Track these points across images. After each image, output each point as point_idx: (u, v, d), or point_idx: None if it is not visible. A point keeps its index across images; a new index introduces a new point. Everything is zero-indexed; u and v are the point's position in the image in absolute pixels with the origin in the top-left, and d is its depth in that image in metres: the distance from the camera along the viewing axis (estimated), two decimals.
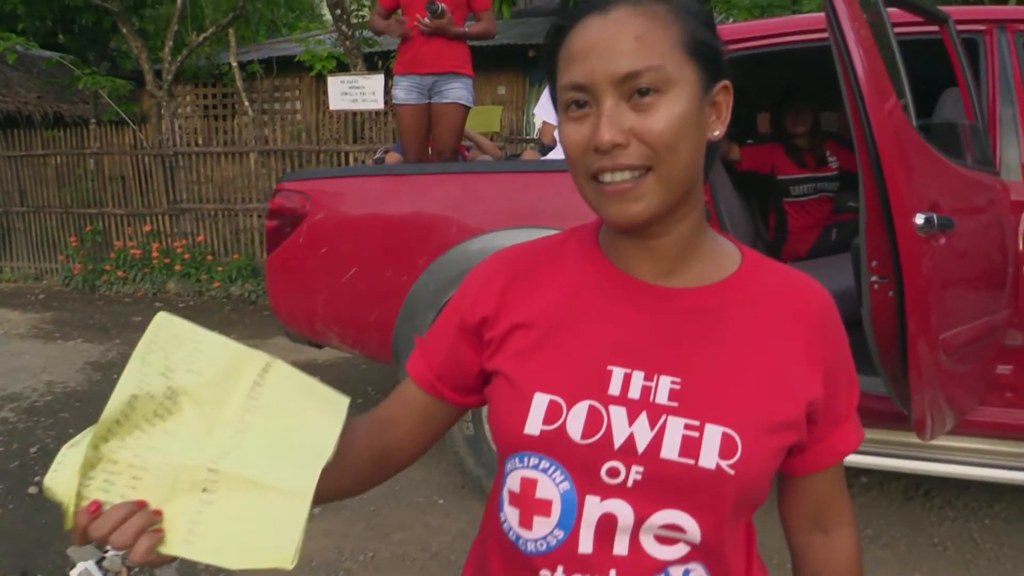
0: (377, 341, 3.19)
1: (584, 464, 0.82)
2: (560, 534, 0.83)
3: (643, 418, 0.81)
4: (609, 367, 0.85)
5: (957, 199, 2.09)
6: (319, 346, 3.62)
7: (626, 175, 0.79)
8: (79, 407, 4.54)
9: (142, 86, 9.37)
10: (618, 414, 0.82)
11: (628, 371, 0.84)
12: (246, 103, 9.05)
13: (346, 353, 4.32)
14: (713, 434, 0.79)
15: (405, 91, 4.11)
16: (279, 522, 0.74)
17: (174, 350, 0.79)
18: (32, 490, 3.45)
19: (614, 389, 0.83)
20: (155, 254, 8.22)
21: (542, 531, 0.84)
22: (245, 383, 0.80)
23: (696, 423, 0.80)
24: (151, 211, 8.55)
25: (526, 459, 0.86)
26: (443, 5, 3.88)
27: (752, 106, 4.53)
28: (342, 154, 7.91)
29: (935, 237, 1.95)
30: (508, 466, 0.88)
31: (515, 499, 0.87)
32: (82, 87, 9.07)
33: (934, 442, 2.45)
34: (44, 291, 8.49)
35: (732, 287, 0.87)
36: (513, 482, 0.87)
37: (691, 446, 0.79)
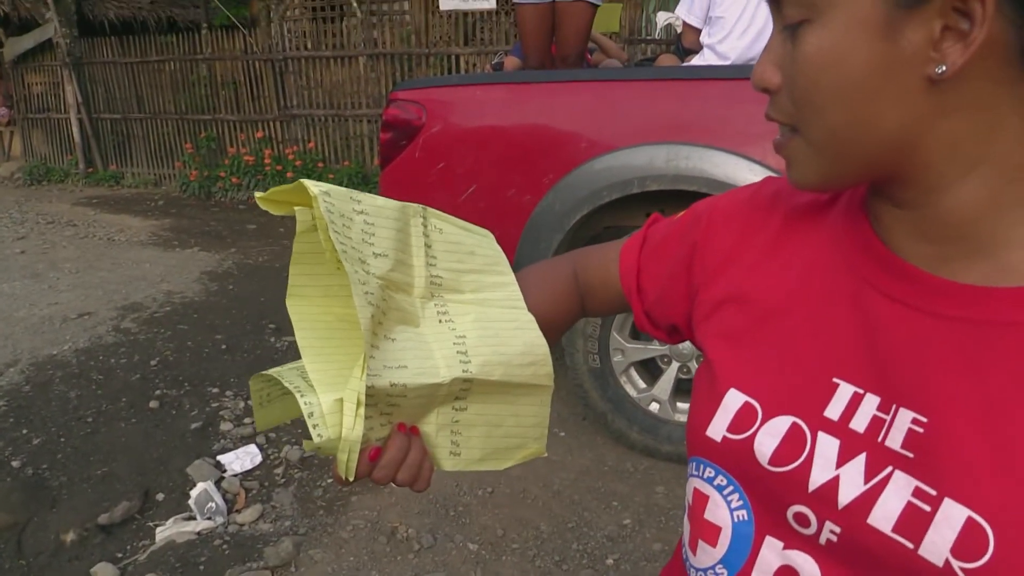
0: None
1: (770, 495, 0.63)
2: (724, 573, 0.66)
3: (859, 461, 0.57)
4: (835, 379, 0.60)
5: None
6: None
7: (782, 129, 0.61)
8: (196, 318, 4.55)
9: None
10: (827, 446, 0.59)
11: (860, 391, 0.59)
12: (354, 4, 8.80)
13: None
14: (952, 516, 0.51)
15: None
16: (530, 415, 0.77)
17: (350, 228, 0.68)
18: (153, 404, 3.46)
19: (833, 411, 0.60)
20: (267, 161, 8.24)
21: (705, 561, 0.68)
22: (418, 246, 0.74)
23: (932, 492, 0.53)
24: (263, 117, 8.54)
25: (703, 468, 0.69)
26: None
27: None
28: (453, 57, 7.64)
29: None
30: (689, 468, 0.72)
31: (689, 512, 0.72)
32: None
33: None
34: (163, 197, 8.67)
35: None
36: (689, 491, 0.71)
37: (915, 522, 0.53)
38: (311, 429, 0.63)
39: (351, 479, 0.65)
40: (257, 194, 0.68)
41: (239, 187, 8.31)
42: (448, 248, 0.77)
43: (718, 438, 0.65)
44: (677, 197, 2.56)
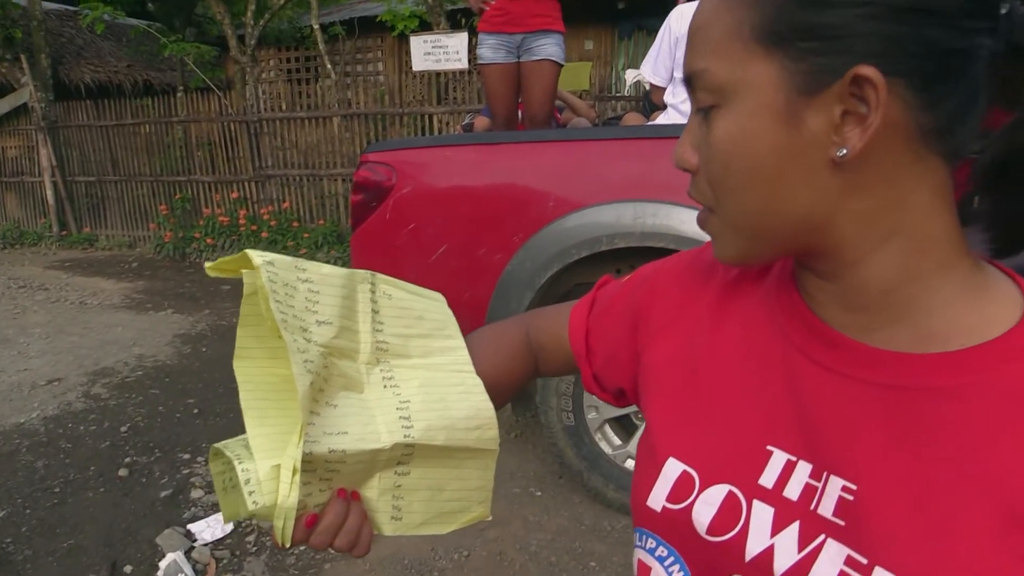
0: (470, 323, 2.95)
1: (709, 566, 0.63)
2: None
3: (793, 530, 0.57)
4: (769, 446, 0.61)
5: None
6: None
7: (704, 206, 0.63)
8: (168, 382, 4.50)
9: (226, 52, 9.37)
10: (761, 514, 0.59)
11: (793, 458, 0.60)
12: (329, 66, 8.92)
13: None
14: None
15: (492, 49, 3.82)
16: (474, 479, 0.76)
17: (293, 297, 0.69)
18: (123, 472, 3.39)
19: (767, 479, 0.60)
20: (242, 221, 8.24)
21: None
22: (364, 313, 0.75)
23: (863, 560, 0.53)
24: (237, 178, 8.56)
25: (645, 539, 0.69)
26: None
27: None
28: (426, 116, 7.72)
29: None
30: (634, 538, 0.72)
31: None
32: (168, 54, 9.11)
33: None
34: (137, 259, 8.63)
35: (980, 363, 0.53)
36: (634, 562, 0.71)
37: None
38: (247, 496, 0.63)
39: (287, 545, 0.65)
40: (207, 264, 0.69)
41: (214, 248, 8.30)
42: (396, 313, 0.78)
43: (658, 508, 0.65)
44: (646, 254, 2.58)
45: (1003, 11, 0.52)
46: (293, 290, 0.69)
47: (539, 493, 3.12)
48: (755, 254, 0.61)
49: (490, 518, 0.79)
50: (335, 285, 0.73)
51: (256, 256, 0.67)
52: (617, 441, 2.96)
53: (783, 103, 0.53)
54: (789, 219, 0.56)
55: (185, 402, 4.18)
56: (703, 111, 0.58)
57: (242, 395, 0.66)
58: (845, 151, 0.52)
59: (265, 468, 0.64)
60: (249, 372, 0.68)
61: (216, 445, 0.69)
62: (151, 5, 11.85)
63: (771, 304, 0.66)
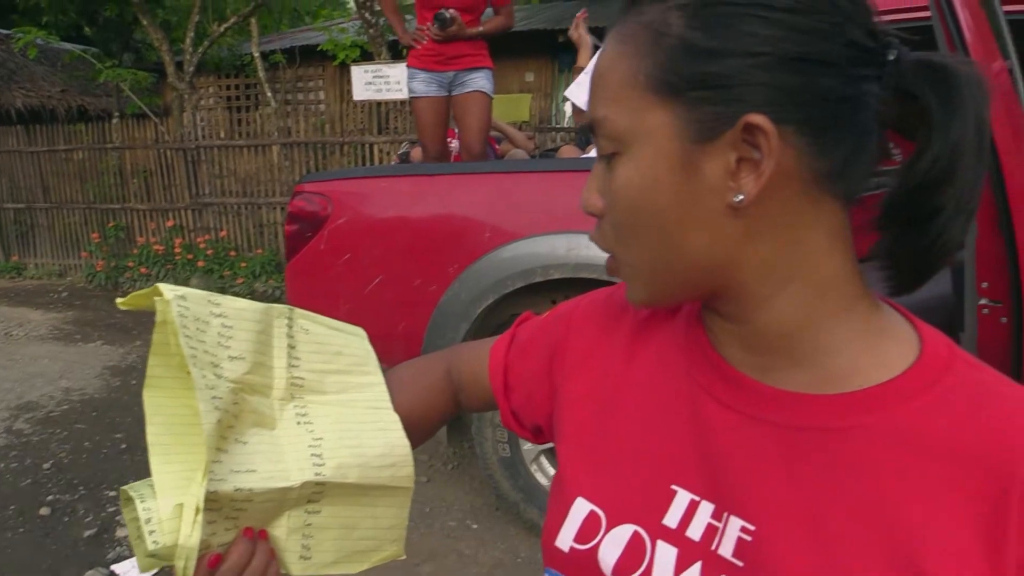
0: (404, 355, 2.93)
1: None
2: None
3: (695, 570, 0.58)
4: (674, 486, 0.62)
5: None
6: None
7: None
8: (95, 417, 4.35)
9: (164, 78, 9.22)
10: (665, 555, 0.59)
11: (696, 498, 0.60)
12: (269, 94, 8.85)
13: None
14: None
15: (424, 83, 3.88)
16: (388, 517, 0.75)
17: (204, 332, 0.68)
18: (44, 511, 3.26)
19: (671, 519, 0.61)
20: (178, 250, 8.07)
21: None
22: (280, 348, 0.74)
23: None
24: (174, 206, 8.40)
25: None
26: (452, 10, 3.65)
27: None
28: (367, 145, 7.70)
29: None
30: None
31: None
32: (103, 80, 8.92)
33: None
34: (67, 288, 8.37)
35: (877, 404, 0.54)
36: None
37: None
38: (147, 536, 0.62)
39: None
40: (118, 300, 0.68)
41: (148, 277, 8.10)
42: (313, 349, 0.77)
43: (566, 548, 0.65)
44: (580, 285, 2.60)
45: (891, 57, 0.53)
46: (205, 324, 0.68)
47: (475, 526, 3.09)
48: (662, 297, 0.61)
49: (404, 556, 0.78)
50: (250, 320, 0.72)
51: (167, 290, 0.66)
52: (553, 472, 2.95)
53: (680, 151, 0.54)
54: (691, 264, 0.57)
55: (112, 437, 4.05)
56: (606, 158, 0.59)
57: (149, 429, 0.65)
58: (741, 197, 0.53)
59: (167, 507, 0.62)
60: (159, 402, 0.66)
61: (124, 488, 0.67)
62: (88, 30, 11.64)
63: (679, 343, 0.67)
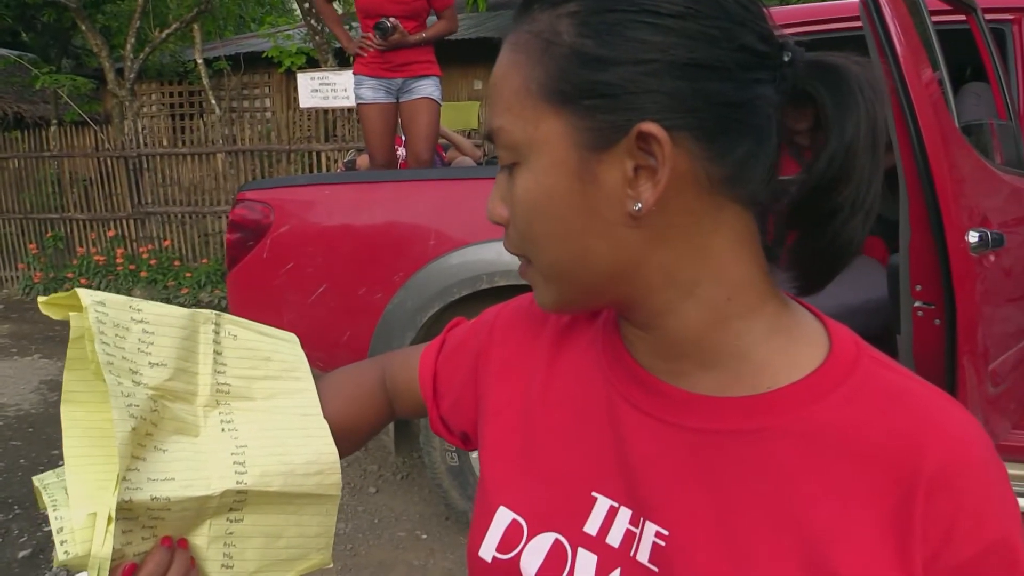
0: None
1: None
2: None
3: None
4: (594, 493, 0.61)
5: (1004, 210, 1.85)
6: None
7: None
8: (31, 433, 4.22)
9: (104, 85, 9.02)
10: (586, 562, 0.59)
11: (615, 504, 0.60)
12: (213, 101, 8.72)
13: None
14: None
15: (372, 90, 3.86)
16: (314, 525, 0.74)
17: (124, 338, 0.67)
18: None
19: (592, 526, 0.60)
20: (119, 260, 7.90)
21: None
22: (205, 354, 0.73)
23: None
24: (115, 215, 8.21)
25: None
26: (393, 20, 3.64)
27: None
28: (313, 153, 7.62)
29: (986, 256, 1.71)
30: None
31: None
32: (40, 87, 8.70)
33: None
34: (3, 301, 8.12)
35: (786, 404, 0.55)
36: None
37: None
38: (58, 545, 0.61)
39: None
40: (40, 299, 0.67)
41: (88, 288, 7.89)
42: (241, 355, 0.76)
43: (488, 559, 0.64)
44: (526, 291, 2.59)
45: (786, 59, 0.53)
46: (125, 331, 0.67)
47: (424, 536, 3.07)
48: (570, 303, 0.61)
49: (331, 564, 0.77)
50: (173, 326, 0.71)
51: (86, 296, 0.65)
52: None
53: (576, 160, 0.53)
54: (594, 271, 0.57)
55: (50, 453, 3.93)
56: (507, 168, 0.58)
57: (65, 443, 0.64)
58: (640, 205, 0.52)
59: (81, 516, 0.62)
60: (76, 417, 0.66)
61: (36, 478, 0.66)
62: (25, 35, 11.35)
63: (598, 350, 0.67)
